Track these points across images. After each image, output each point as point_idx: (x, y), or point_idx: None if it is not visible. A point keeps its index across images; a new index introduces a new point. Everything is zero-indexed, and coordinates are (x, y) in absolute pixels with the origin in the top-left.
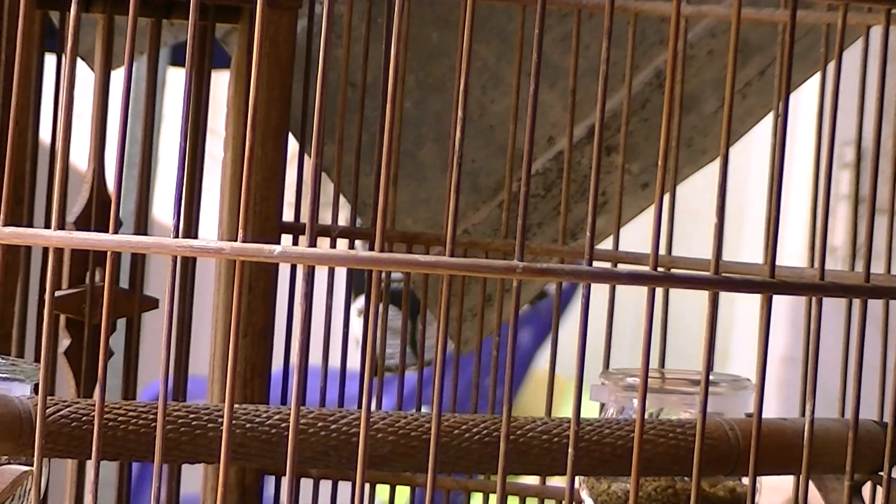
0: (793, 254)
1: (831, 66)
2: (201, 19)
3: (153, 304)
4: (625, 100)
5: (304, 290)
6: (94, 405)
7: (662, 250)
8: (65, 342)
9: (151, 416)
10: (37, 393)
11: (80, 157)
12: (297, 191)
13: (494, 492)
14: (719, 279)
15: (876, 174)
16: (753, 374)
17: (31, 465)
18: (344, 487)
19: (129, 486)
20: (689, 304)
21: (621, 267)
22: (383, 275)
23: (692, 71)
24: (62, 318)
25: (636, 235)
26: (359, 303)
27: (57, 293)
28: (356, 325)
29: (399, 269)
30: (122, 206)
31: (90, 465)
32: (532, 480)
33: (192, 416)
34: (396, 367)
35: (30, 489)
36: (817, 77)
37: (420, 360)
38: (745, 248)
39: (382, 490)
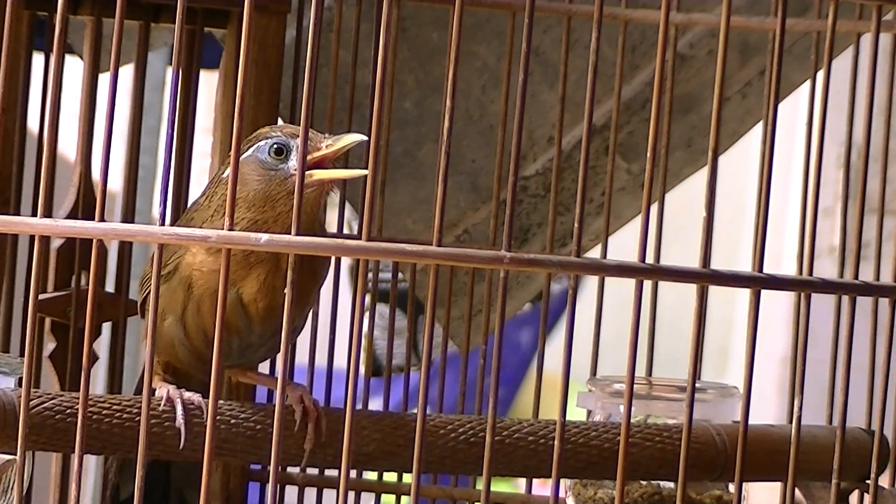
0: (792, 255)
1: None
2: (190, 23)
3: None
4: (614, 106)
5: (291, 279)
6: (78, 398)
7: (651, 258)
8: (50, 346)
9: (136, 410)
10: (21, 386)
11: (72, 155)
12: None
13: (479, 500)
14: (707, 273)
15: (865, 174)
16: (754, 373)
17: (15, 456)
18: (329, 495)
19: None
20: (685, 307)
21: (609, 259)
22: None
23: (692, 71)
24: (47, 321)
25: (632, 242)
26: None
27: (42, 296)
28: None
29: (386, 258)
30: (115, 208)
31: (75, 458)
32: (518, 489)
33: None
34: (395, 367)
35: (14, 481)
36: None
37: (406, 362)
38: (744, 251)
39: (368, 498)
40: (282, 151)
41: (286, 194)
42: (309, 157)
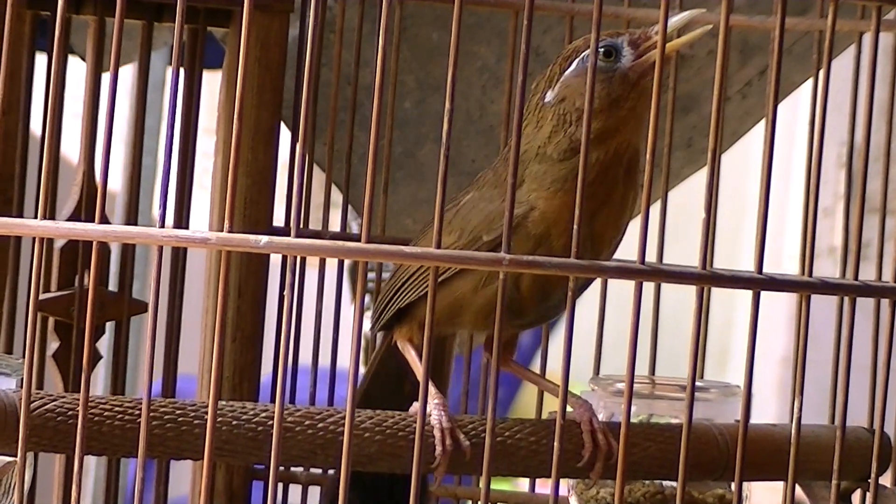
0: (793, 255)
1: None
2: (192, 22)
3: (142, 307)
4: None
5: (290, 281)
6: (79, 399)
7: (653, 258)
8: (53, 345)
9: (137, 412)
10: (22, 387)
11: (75, 155)
12: (287, 196)
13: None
14: (707, 274)
15: (865, 174)
16: (754, 373)
17: (16, 457)
18: None
19: (117, 483)
20: (686, 306)
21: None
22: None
23: (692, 71)
24: (51, 320)
25: (633, 241)
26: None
27: (46, 295)
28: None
29: (386, 260)
30: (117, 212)
31: (76, 460)
32: (518, 488)
33: (178, 411)
34: None
35: (14, 482)
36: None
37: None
38: (744, 251)
39: None
40: (611, 53)
41: (630, 89)
42: (643, 47)
